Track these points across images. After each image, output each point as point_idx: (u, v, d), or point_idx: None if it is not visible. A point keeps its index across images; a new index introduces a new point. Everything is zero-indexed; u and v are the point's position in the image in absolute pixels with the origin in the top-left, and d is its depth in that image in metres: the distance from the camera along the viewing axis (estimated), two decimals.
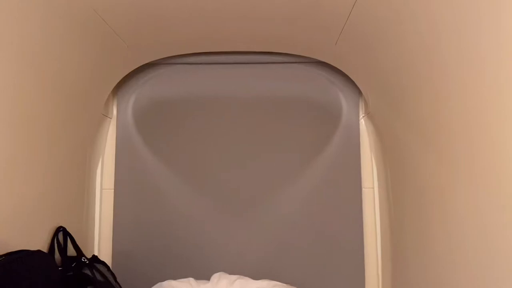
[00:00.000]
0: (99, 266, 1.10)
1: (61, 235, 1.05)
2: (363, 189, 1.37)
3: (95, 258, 1.13)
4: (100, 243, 1.36)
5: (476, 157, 0.66)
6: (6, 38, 0.77)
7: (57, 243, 1.02)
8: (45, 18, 0.86)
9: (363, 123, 1.39)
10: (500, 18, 0.55)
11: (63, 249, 1.04)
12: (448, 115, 0.75)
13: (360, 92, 1.37)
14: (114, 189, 1.39)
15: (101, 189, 1.38)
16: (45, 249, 0.99)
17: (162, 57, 1.36)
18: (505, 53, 0.55)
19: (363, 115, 1.39)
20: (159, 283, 1.16)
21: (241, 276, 1.18)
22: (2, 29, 0.76)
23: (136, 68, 1.37)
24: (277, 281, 1.18)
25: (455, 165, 0.74)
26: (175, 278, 1.18)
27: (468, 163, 0.69)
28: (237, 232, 1.38)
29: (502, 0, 0.54)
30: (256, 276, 1.20)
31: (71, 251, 1.08)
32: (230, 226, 1.38)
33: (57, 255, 1.02)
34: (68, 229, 1.07)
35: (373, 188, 1.36)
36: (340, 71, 1.35)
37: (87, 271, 1.04)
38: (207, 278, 1.18)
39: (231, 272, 1.21)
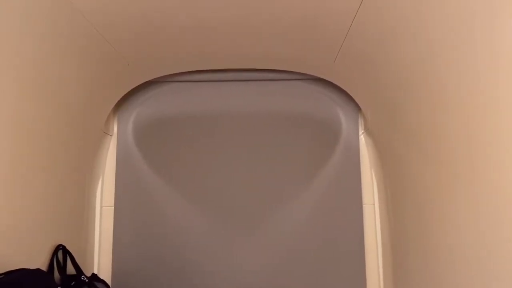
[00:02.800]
0: (98, 284, 1.09)
1: (61, 253, 1.04)
2: (363, 205, 1.36)
3: (94, 277, 1.12)
4: (100, 261, 1.34)
5: (476, 170, 0.66)
6: (4, 56, 0.78)
7: (56, 261, 1.01)
8: (45, 36, 0.87)
9: (362, 139, 1.39)
10: (495, 33, 0.56)
11: (62, 268, 1.03)
12: (447, 130, 0.75)
13: (359, 109, 1.38)
14: (114, 207, 1.39)
15: (101, 206, 1.37)
16: (44, 267, 0.98)
17: (163, 74, 1.37)
18: (502, 66, 0.56)
19: (362, 131, 1.40)
20: None
21: None
22: (1, 47, 0.77)
23: (137, 86, 1.38)
24: None
25: (455, 179, 0.74)
26: None
27: (468, 176, 0.69)
28: (239, 249, 1.37)
29: (497, 17, 0.55)
30: None
31: (70, 270, 1.06)
32: (231, 243, 1.37)
33: (56, 273, 1.01)
34: (67, 247, 1.06)
35: (373, 204, 1.35)
36: (339, 87, 1.36)
37: None
38: None
39: None
